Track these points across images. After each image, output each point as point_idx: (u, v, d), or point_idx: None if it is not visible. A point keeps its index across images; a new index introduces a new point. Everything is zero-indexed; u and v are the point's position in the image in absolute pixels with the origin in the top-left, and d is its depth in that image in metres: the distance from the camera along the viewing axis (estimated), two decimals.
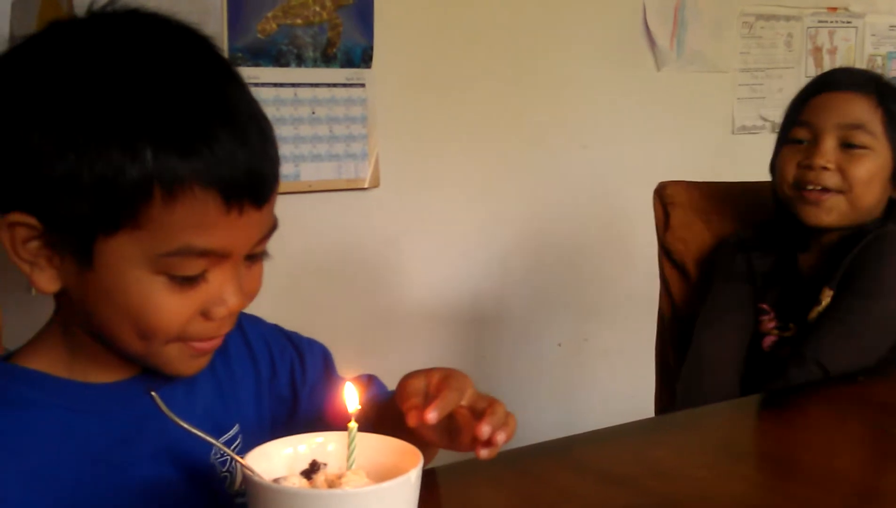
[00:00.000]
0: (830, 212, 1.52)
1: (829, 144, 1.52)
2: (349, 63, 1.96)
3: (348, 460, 0.75)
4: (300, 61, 1.90)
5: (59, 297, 0.89)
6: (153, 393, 0.75)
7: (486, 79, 2.20)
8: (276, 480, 0.73)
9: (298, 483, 0.73)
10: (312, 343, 1.11)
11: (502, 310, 2.32)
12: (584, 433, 1.13)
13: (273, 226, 0.90)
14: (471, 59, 2.18)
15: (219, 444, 0.74)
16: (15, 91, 0.82)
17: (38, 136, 0.80)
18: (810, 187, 1.52)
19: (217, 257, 0.84)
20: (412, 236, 2.14)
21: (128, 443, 0.90)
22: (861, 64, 2.91)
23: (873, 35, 2.95)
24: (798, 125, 1.56)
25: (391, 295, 2.11)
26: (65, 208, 0.81)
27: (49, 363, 0.90)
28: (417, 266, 2.16)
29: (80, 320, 0.88)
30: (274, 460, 0.77)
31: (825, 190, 1.51)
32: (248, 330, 1.06)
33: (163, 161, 0.79)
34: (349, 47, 1.95)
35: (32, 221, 0.82)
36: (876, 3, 2.93)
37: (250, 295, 0.90)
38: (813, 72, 2.76)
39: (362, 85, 1.98)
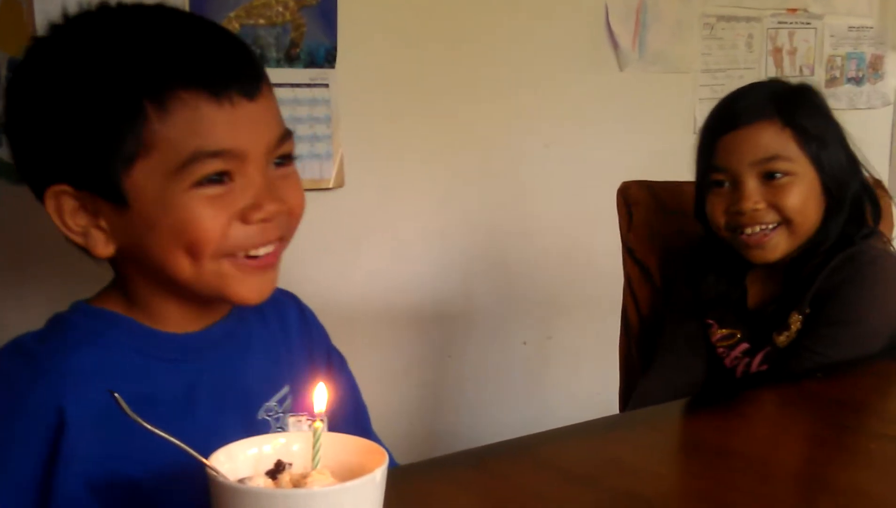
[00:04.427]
0: (776, 249, 1.48)
1: (752, 185, 1.47)
2: (312, 63, 1.95)
3: (313, 459, 0.75)
4: (263, 61, 1.89)
5: (116, 262, 0.96)
6: (115, 394, 0.75)
7: (449, 79, 2.21)
8: (240, 480, 0.73)
9: (263, 483, 0.73)
10: (345, 366, 1.20)
11: (467, 309, 2.33)
12: (547, 431, 1.14)
13: (286, 132, 0.97)
14: (434, 60, 2.18)
15: (183, 446, 0.74)
16: (32, 82, 0.93)
17: (52, 110, 0.90)
18: (748, 232, 1.48)
19: (234, 159, 0.90)
20: (377, 235, 2.14)
21: (187, 392, 0.95)
22: (820, 64, 2.95)
23: (832, 36, 2.98)
24: (714, 170, 1.52)
25: (356, 295, 2.11)
26: (84, 160, 0.89)
27: (122, 309, 0.97)
28: (382, 266, 2.16)
29: (140, 274, 0.95)
30: (238, 460, 0.77)
31: (764, 231, 1.47)
32: (307, 312, 1.15)
33: (144, 78, 0.87)
34: (312, 48, 1.95)
35: (67, 187, 0.90)
36: (834, 5, 2.96)
37: (292, 208, 0.97)
38: (773, 72, 2.79)
39: (326, 85, 1.97)
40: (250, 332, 1.05)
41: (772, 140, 1.48)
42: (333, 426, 1.03)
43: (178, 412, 0.91)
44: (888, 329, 1.47)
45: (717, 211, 1.52)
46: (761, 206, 1.47)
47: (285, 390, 1.05)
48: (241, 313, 1.05)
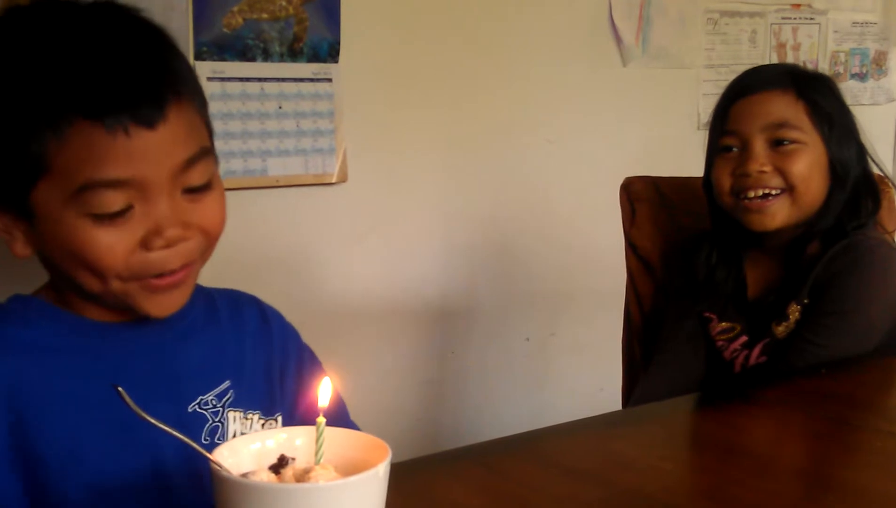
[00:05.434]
0: (775, 216, 1.49)
1: (760, 148, 1.49)
2: (316, 58, 1.95)
3: (316, 454, 0.75)
4: (266, 56, 1.89)
5: (42, 261, 0.98)
6: (119, 388, 0.75)
7: (452, 73, 2.20)
8: (244, 475, 0.73)
9: (267, 477, 0.73)
10: (317, 362, 1.18)
11: (470, 305, 2.33)
12: (550, 427, 1.14)
13: (198, 154, 0.94)
14: (437, 54, 2.18)
15: (186, 439, 0.74)
16: None
17: None
18: (752, 195, 1.49)
19: (132, 188, 0.89)
20: (380, 230, 2.14)
21: (109, 376, 0.92)
22: (824, 60, 2.94)
23: (836, 31, 2.98)
24: (725, 135, 1.54)
25: (359, 290, 2.11)
26: None
27: (52, 298, 1.00)
28: (385, 261, 2.16)
29: (59, 277, 0.97)
30: (242, 455, 0.77)
31: (766, 196, 1.48)
32: (269, 313, 1.14)
33: (43, 105, 0.87)
34: (316, 42, 1.95)
35: None
36: (838, 0, 2.96)
37: (206, 230, 0.96)
38: None
39: (329, 80, 1.97)
40: (191, 325, 1.05)
41: (784, 108, 1.50)
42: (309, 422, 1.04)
43: (98, 395, 0.91)
44: (886, 320, 1.47)
45: (724, 174, 1.53)
46: (768, 169, 1.49)
47: (225, 384, 1.05)
48: (185, 308, 1.04)
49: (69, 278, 0.94)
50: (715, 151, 1.57)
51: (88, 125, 0.87)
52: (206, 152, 0.96)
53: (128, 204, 0.89)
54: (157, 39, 0.95)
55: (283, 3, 1.89)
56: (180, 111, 0.92)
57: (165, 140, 0.90)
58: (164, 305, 0.96)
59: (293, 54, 1.92)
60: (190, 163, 0.93)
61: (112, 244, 0.90)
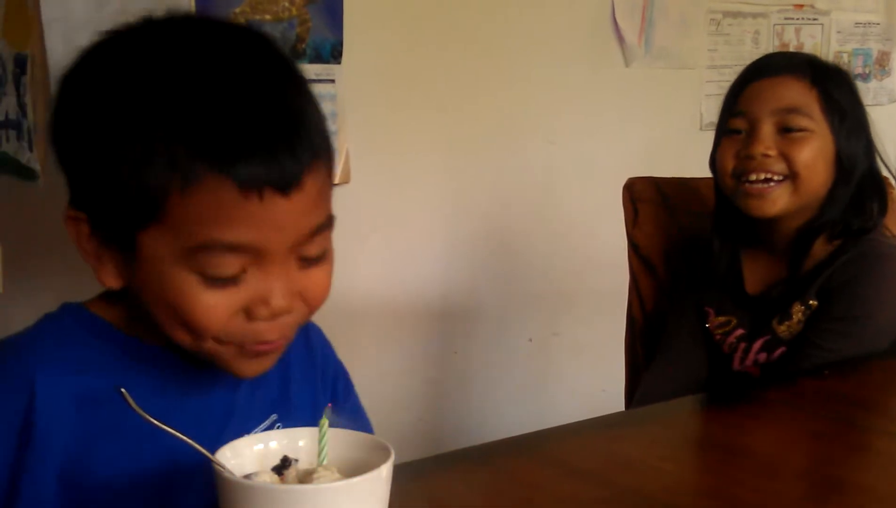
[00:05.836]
0: (776, 203, 1.47)
1: (767, 131, 1.47)
2: (318, 59, 1.95)
3: (319, 455, 0.75)
4: None
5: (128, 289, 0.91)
6: (122, 390, 0.75)
7: (454, 74, 2.21)
8: (247, 476, 0.73)
9: (269, 479, 0.73)
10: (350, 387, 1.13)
11: (473, 306, 2.33)
12: (553, 428, 1.14)
13: (325, 222, 0.90)
14: (440, 55, 2.18)
15: (189, 440, 0.74)
16: (73, 98, 0.87)
17: (83, 138, 0.85)
18: (753, 178, 1.47)
19: (251, 253, 0.83)
20: (383, 231, 2.14)
21: (161, 406, 0.86)
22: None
23: (839, 32, 2.98)
24: (734, 116, 1.52)
25: (362, 291, 2.11)
26: (101, 205, 0.85)
27: (114, 317, 0.93)
28: (388, 262, 2.16)
29: (145, 314, 0.89)
30: (245, 456, 0.77)
31: (769, 181, 1.46)
32: (312, 334, 1.09)
33: (176, 153, 0.79)
34: (318, 43, 1.95)
35: (84, 216, 0.86)
36: (841, 1, 2.96)
37: (310, 302, 0.90)
38: None
39: (332, 81, 1.97)
40: None
41: (797, 94, 1.49)
42: None
43: (146, 428, 0.82)
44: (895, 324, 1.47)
45: (728, 155, 1.52)
46: (773, 153, 1.47)
47: (272, 418, 1.00)
48: None
49: (159, 325, 0.88)
50: (723, 133, 1.55)
51: (219, 181, 0.79)
52: (330, 222, 0.91)
53: (242, 269, 0.83)
54: (297, 85, 0.89)
55: (286, 5, 1.89)
56: (315, 176, 0.86)
57: (296, 209, 0.84)
58: (253, 369, 0.90)
59: (296, 55, 1.92)
60: (316, 231, 0.88)
61: (214, 306, 0.83)
